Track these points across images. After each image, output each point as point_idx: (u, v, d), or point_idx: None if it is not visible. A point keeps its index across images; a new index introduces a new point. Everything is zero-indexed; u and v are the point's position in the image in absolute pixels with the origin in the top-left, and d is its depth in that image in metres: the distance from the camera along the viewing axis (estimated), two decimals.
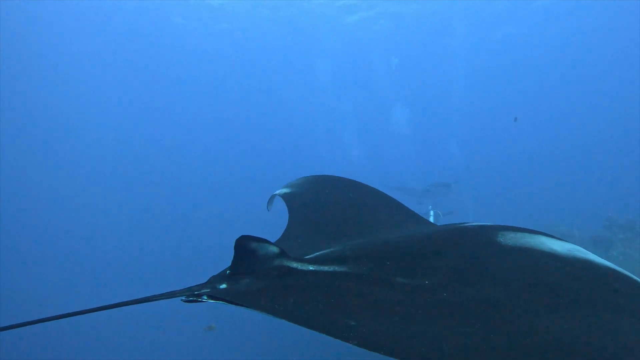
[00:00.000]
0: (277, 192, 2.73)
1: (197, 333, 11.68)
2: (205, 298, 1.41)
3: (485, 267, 1.49)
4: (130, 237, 23.88)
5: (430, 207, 12.98)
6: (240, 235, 1.56)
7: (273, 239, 1.87)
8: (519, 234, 1.66)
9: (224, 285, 1.47)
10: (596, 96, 35.77)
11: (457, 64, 29.62)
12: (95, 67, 29.58)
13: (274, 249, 1.52)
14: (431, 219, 12.00)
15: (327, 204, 2.49)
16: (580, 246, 1.67)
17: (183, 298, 1.44)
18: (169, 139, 35.79)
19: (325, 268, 1.50)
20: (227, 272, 1.53)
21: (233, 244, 1.55)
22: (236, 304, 1.36)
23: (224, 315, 10.86)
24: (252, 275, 1.47)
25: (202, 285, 1.51)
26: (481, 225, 1.83)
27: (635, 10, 24.97)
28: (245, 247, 1.52)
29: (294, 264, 1.52)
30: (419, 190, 14.84)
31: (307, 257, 1.59)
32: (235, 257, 1.52)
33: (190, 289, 1.47)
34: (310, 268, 1.51)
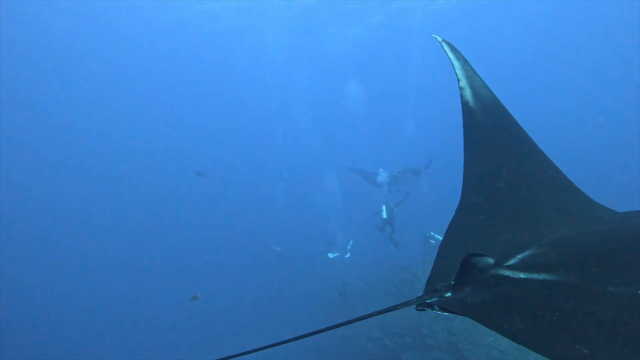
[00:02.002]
0: (465, 95, 2.52)
1: None
2: (437, 308, 1.56)
3: None
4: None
5: (383, 204, 12.47)
6: None
7: None
8: None
9: (449, 294, 1.61)
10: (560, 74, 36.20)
11: (414, 37, 28.31)
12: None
13: (490, 260, 1.64)
14: (384, 214, 12.11)
15: (504, 164, 2.36)
16: None
17: (416, 306, 1.59)
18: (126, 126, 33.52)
19: (536, 276, 1.57)
20: (452, 282, 1.65)
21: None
22: (465, 316, 1.49)
23: None
24: (472, 285, 1.61)
25: (431, 294, 1.64)
26: None
27: None
28: (469, 261, 1.64)
29: (506, 272, 1.62)
30: (384, 178, 14.07)
31: (513, 262, 1.69)
32: (460, 269, 1.64)
33: (421, 297, 1.62)
34: (522, 276, 1.59)
